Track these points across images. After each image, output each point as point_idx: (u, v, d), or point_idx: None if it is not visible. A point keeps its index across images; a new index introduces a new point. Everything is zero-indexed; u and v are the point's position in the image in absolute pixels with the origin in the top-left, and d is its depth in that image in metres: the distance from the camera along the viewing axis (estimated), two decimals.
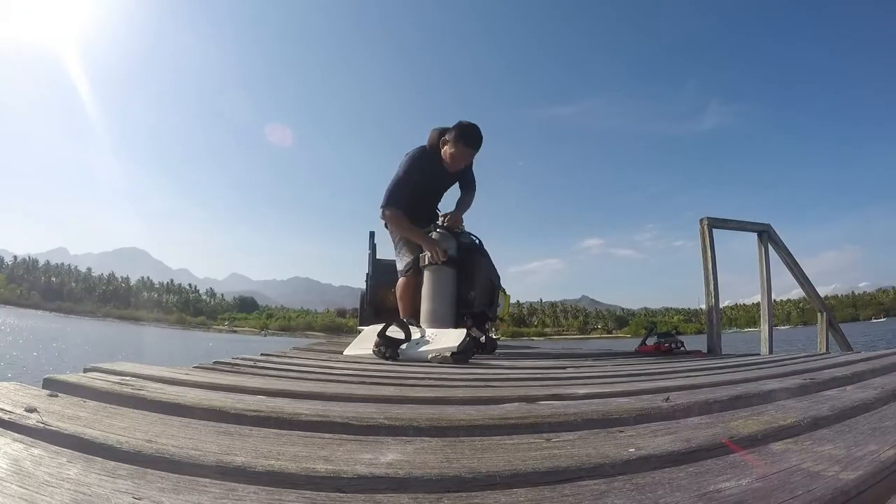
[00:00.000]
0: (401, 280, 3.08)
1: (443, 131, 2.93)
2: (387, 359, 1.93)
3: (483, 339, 3.04)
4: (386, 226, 3.14)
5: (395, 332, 2.04)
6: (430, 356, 1.92)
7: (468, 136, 2.82)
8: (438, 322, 2.84)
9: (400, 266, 3.08)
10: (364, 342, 2.16)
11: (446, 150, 2.90)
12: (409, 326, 2.08)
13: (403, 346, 2.00)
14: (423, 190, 3.07)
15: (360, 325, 3.79)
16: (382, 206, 2.95)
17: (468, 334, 2.00)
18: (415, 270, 3.01)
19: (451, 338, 1.99)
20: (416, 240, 2.92)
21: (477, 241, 3.13)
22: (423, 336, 2.08)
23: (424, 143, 3.05)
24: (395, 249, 3.13)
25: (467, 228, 3.20)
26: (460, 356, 1.89)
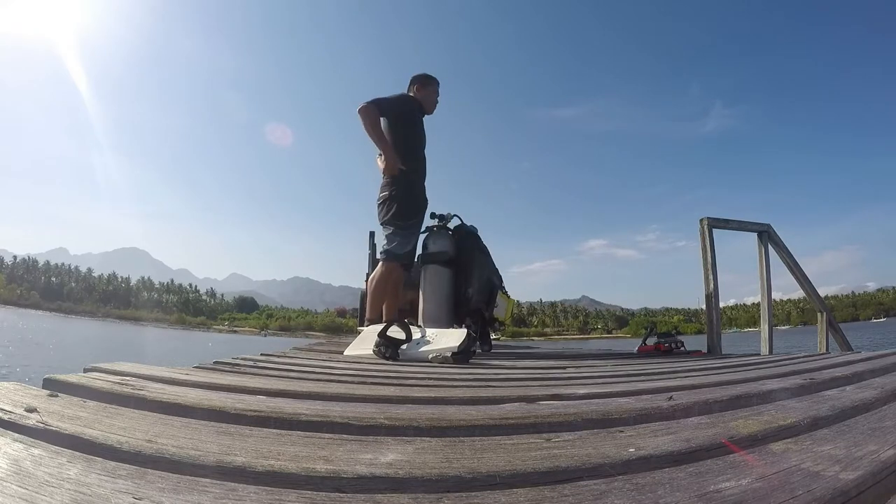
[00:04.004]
0: (386, 266, 2.89)
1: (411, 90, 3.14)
2: (387, 359, 1.93)
3: (478, 339, 3.03)
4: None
5: (395, 332, 2.04)
6: (430, 356, 1.92)
7: (431, 77, 3.18)
8: (434, 322, 2.84)
9: (400, 249, 2.89)
10: (364, 342, 2.16)
11: (426, 97, 3.12)
12: (410, 326, 2.08)
13: (404, 347, 2.00)
14: (419, 136, 3.08)
15: (360, 325, 3.79)
16: (363, 105, 2.85)
17: (469, 334, 2.00)
18: (405, 264, 2.90)
19: (452, 338, 1.99)
20: (381, 145, 2.88)
21: (474, 231, 3.13)
22: (423, 336, 2.08)
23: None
24: (397, 230, 2.92)
25: (468, 221, 3.20)
26: (461, 356, 1.89)
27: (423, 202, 3.05)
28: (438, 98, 3.15)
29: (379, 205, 3.00)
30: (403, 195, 2.93)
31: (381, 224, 3.00)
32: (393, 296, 2.95)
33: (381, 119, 2.91)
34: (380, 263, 2.95)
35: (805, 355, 2.57)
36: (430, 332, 2.12)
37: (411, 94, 3.09)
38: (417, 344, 2.03)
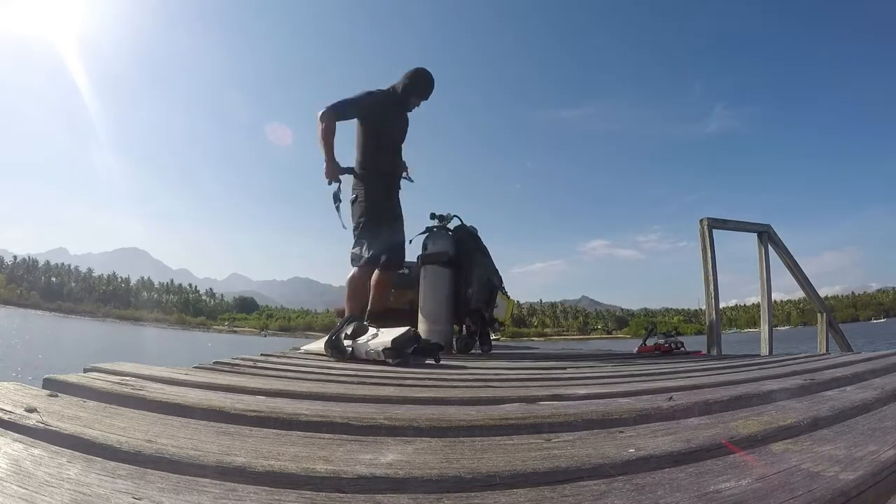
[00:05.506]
0: (354, 272, 2.83)
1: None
2: (337, 359, 1.95)
3: (478, 339, 3.02)
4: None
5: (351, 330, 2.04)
6: (365, 352, 1.90)
7: (424, 84, 3.05)
8: (433, 322, 2.84)
9: (359, 251, 2.82)
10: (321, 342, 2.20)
11: (412, 100, 3.03)
12: (364, 326, 2.06)
13: (349, 346, 1.98)
14: (389, 132, 3.00)
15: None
16: (323, 111, 2.79)
17: (410, 331, 1.91)
18: (370, 265, 2.81)
19: (391, 336, 1.89)
20: (325, 154, 2.79)
21: (474, 231, 3.12)
22: (376, 335, 1.99)
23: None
24: (358, 232, 2.85)
25: (468, 221, 3.19)
26: (391, 352, 1.81)
27: (392, 201, 2.96)
28: (421, 103, 3.06)
29: (350, 202, 2.93)
30: (371, 194, 2.86)
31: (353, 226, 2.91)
32: (355, 298, 2.82)
33: (354, 120, 2.87)
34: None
35: (805, 356, 2.57)
36: (382, 331, 2.03)
37: (403, 84, 2.97)
38: (365, 343, 1.97)
